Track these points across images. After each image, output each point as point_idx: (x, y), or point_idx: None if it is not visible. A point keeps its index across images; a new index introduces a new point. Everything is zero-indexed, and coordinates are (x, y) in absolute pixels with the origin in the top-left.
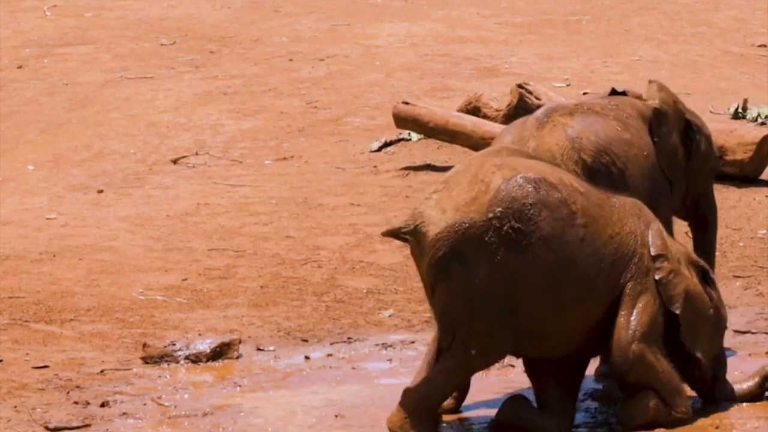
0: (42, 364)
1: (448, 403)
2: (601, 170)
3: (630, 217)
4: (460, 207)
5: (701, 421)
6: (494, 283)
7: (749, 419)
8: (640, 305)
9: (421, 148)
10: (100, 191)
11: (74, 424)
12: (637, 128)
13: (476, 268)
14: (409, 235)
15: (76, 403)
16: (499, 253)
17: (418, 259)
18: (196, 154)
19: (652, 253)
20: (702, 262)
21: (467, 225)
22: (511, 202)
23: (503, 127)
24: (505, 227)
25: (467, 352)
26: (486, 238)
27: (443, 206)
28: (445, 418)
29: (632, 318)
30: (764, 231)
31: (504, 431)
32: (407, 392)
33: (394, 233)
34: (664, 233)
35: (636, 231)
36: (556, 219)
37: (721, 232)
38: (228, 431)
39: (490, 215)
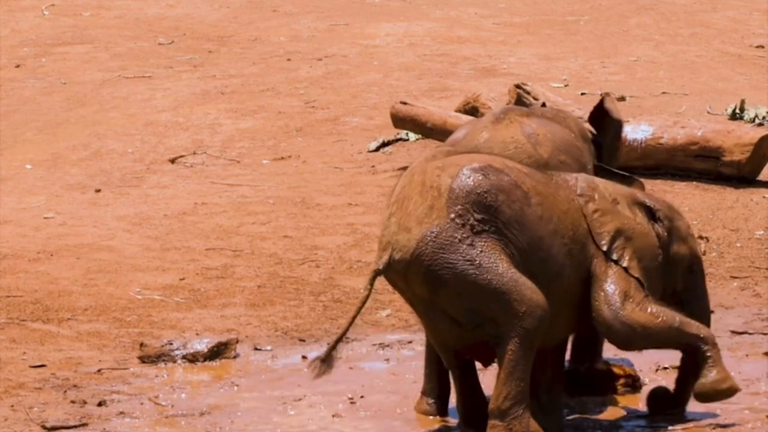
0: (39, 363)
1: (427, 410)
2: (558, 168)
3: (573, 192)
4: (422, 220)
5: (699, 422)
6: (501, 258)
7: (749, 420)
8: (611, 274)
9: (418, 148)
10: (98, 190)
11: (71, 424)
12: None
13: (463, 266)
14: (389, 271)
15: (73, 402)
16: (477, 246)
17: (405, 285)
18: (194, 153)
19: (577, 194)
20: (649, 202)
21: (435, 233)
22: (466, 197)
23: None
24: (470, 221)
25: (518, 326)
26: (459, 237)
27: (406, 226)
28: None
29: (608, 290)
30: (761, 232)
31: None
32: (495, 410)
33: (377, 276)
34: (595, 179)
35: (579, 206)
36: (513, 201)
37: (719, 233)
38: (225, 431)
39: (452, 215)
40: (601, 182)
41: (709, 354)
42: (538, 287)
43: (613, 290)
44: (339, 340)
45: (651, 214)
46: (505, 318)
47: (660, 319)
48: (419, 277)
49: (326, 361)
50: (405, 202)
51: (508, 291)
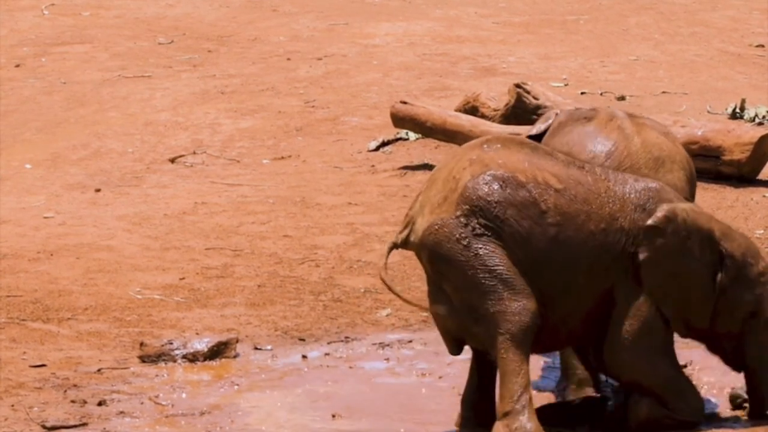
0: (39, 363)
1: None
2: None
3: (629, 210)
4: (434, 208)
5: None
6: (482, 271)
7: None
8: (632, 307)
9: (418, 148)
10: (98, 190)
11: (71, 423)
12: None
13: (458, 263)
14: (404, 245)
15: (73, 401)
16: (473, 248)
17: (421, 263)
18: (194, 153)
19: (649, 224)
20: (723, 247)
21: (439, 225)
22: (476, 201)
23: (500, 126)
24: (473, 224)
25: (505, 328)
26: (457, 236)
27: (423, 208)
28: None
29: (623, 323)
30: (761, 231)
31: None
32: (498, 411)
33: (392, 249)
34: (679, 206)
35: (630, 226)
36: (523, 218)
37: None
38: (225, 430)
39: (458, 213)
40: (683, 210)
41: (680, 419)
42: (540, 296)
43: (630, 326)
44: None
45: (720, 259)
46: (493, 319)
47: (663, 374)
48: (426, 262)
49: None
50: (432, 184)
51: (497, 293)
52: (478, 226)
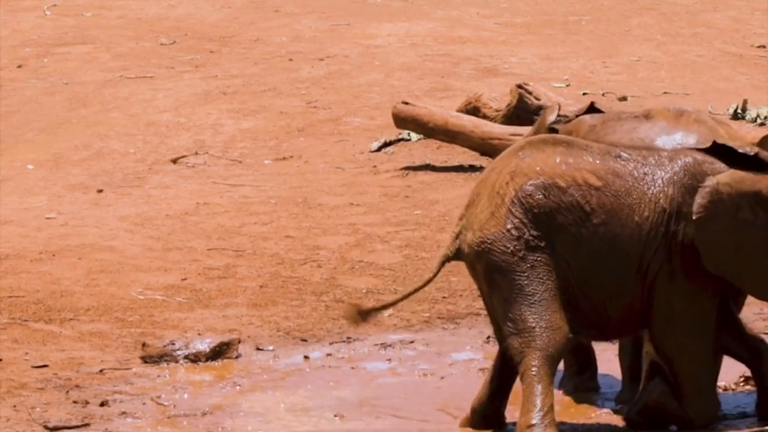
0: (41, 364)
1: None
2: None
3: (669, 191)
4: (483, 225)
5: None
6: (536, 283)
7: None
8: (674, 290)
9: (420, 148)
10: (100, 191)
11: (73, 424)
12: None
13: (514, 274)
14: (457, 258)
15: (75, 402)
16: (529, 259)
17: (473, 274)
18: (196, 153)
19: (697, 201)
20: None
21: (491, 240)
22: (524, 213)
23: (502, 127)
24: (525, 236)
25: (534, 346)
26: (512, 248)
27: (472, 224)
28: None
29: (669, 305)
30: None
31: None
32: (519, 425)
33: (446, 261)
34: (732, 176)
35: (671, 206)
36: (570, 223)
37: None
38: (227, 431)
39: (509, 226)
40: (724, 185)
41: (687, 416)
42: (597, 301)
43: (676, 307)
44: (388, 306)
45: None
46: (532, 333)
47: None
48: (480, 275)
49: (363, 314)
50: (477, 199)
51: (542, 307)
52: (531, 238)
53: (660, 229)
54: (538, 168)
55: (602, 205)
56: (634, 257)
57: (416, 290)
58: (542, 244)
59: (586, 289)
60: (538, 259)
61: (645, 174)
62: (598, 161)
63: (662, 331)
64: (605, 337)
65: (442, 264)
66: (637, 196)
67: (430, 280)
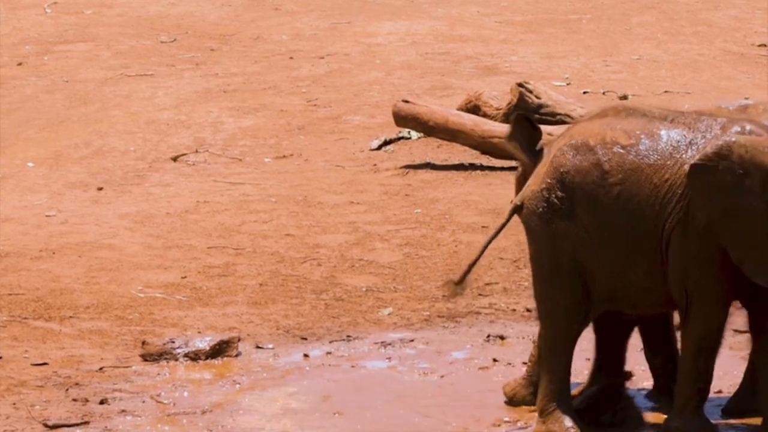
0: (41, 362)
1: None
2: None
3: (690, 152)
4: (532, 180)
5: None
6: (557, 250)
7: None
8: (690, 255)
9: (420, 147)
10: (100, 189)
11: (73, 422)
12: None
13: (540, 239)
14: (518, 210)
15: (75, 400)
16: (551, 228)
17: None
18: (196, 151)
19: (697, 159)
20: None
21: (528, 197)
22: (554, 172)
23: (503, 125)
24: (552, 197)
25: (544, 321)
26: (541, 210)
27: (531, 181)
28: None
29: (684, 274)
30: None
31: None
32: (538, 408)
33: (515, 211)
34: (737, 142)
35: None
36: (587, 183)
37: None
38: (227, 429)
39: (543, 186)
40: (740, 146)
41: (683, 402)
42: (610, 263)
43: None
44: (473, 264)
45: None
46: (543, 306)
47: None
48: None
49: (459, 284)
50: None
51: (550, 284)
52: (556, 200)
53: (677, 191)
54: (581, 129)
55: (622, 164)
56: (650, 218)
57: (491, 239)
58: (564, 207)
59: (602, 253)
60: (558, 225)
61: (683, 137)
62: (640, 122)
63: (679, 293)
64: (629, 310)
65: (512, 214)
66: (662, 158)
67: (502, 227)
